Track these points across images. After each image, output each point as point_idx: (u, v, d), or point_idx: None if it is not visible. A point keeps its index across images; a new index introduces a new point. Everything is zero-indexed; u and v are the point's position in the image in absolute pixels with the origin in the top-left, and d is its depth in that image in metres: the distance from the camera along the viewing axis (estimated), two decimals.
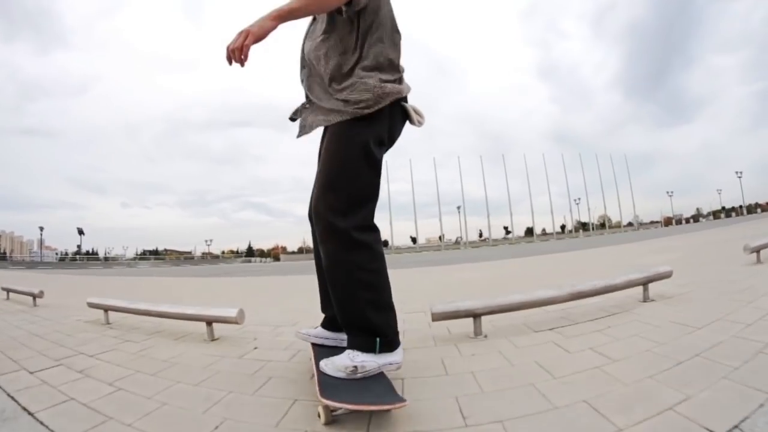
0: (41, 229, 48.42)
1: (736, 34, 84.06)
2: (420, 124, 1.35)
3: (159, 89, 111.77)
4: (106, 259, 52.97)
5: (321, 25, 1.31)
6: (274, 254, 66.12)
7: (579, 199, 52.10)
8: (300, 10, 1.16)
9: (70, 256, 51.40)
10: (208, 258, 57.41)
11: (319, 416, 1.05)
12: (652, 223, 52.98)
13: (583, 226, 53.34)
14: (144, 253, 58.87)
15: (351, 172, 1.21)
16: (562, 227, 55.34)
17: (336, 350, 1.29)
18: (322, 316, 1.55)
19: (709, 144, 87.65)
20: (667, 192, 54.56)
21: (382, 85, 1.24)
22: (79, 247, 52.69)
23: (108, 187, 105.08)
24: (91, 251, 56.85)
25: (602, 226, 55.01)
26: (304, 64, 1.40)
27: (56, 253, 54.78)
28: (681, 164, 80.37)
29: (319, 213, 1.20)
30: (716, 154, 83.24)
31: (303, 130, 1.39)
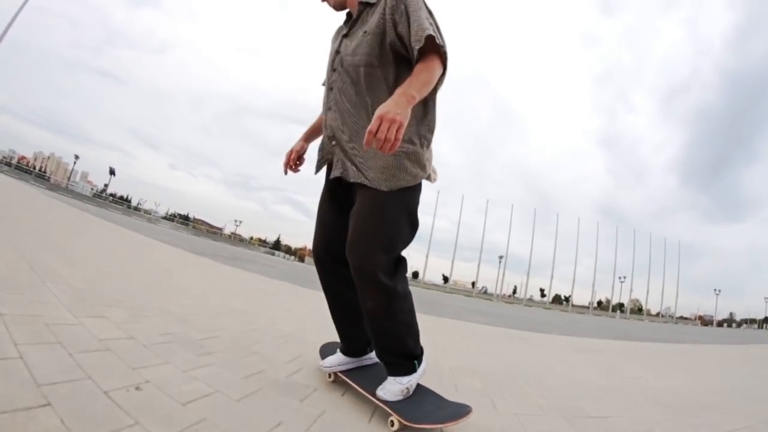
0: (76, 157, 47.28)
1: None
2: (435, 180, 1.37)
3: (232, 70, 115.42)
4: (135, 208, 50.67)
5: (380, 60, 1.23)
6: (300, 254, 62.57)
7: (624, 277, 49.01)
8: (422, 96, 1.12)
9: (104, 195, 49.40)
10: (234, 239, 53.84)
11: (392, 424, 1.19)
12: (681, 318, 49.15)
13: (620, 307, 49.91)
14: (174, 215, 56.30)
15: (400, 237, 1.25)
16: (599, 303, 52.21)
17: (361, 370, 1.48)
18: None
19: (755, 248, 77.51)
20: (715, 290, 49.20)
21: (430, 155, 1.30)
22: (106, 186, 51.00)
23: (161, 146, 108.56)
24: (125, 197, 55.09)
25: (639, 311, 51.31)
26: (337, 105, 1.31)
27: (91, 189, 53.51)
28: (721, 263, 72.18)
29: (367, 271, 1.21)
30: (761, 259, 76.00)
31: (343, 173, 1.31)
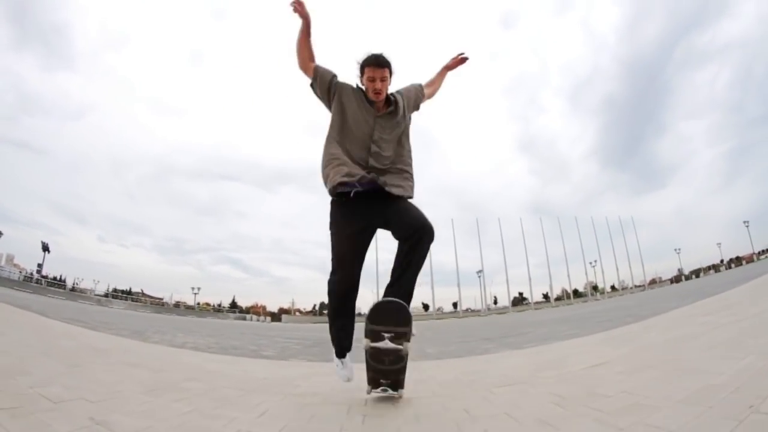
0: None
1: (702, 100, 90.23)
2: None
3: (152, 131, 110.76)
4: (72, 289, 48.13)
5: (396, 116, 2.16)
6: (269, 313, 61.77)
7: (595, 261, 51.65)
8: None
9: (35, 278, 46.36)
10: (196, 309, 52.20)
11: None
12: (636, 287, 51.60)
13: (595, 289, 52.44)
14: (115, 291, 53.91)
15: None
16: (575, 291, 54.15)
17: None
18: None
19: (682, 207, 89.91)
20: (675, 250, 53.10)
21: None
22: (40, 266, 44.97)
23: (87, 218, 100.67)
24: (59, 278, 51.92)
25: (613, 289, 53.60)
26: (372, 144, 2.10)
27: (20, 272, 49.41)
28: (656, 229, 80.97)
29: (431, 228, 2.00)
30: (690, 216, 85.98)
31: (384, 185, 2.05)
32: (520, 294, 57.75)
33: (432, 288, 47.68)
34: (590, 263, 51.79)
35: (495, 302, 56.42)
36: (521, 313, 28.71)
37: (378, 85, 2.05)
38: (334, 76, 2.16)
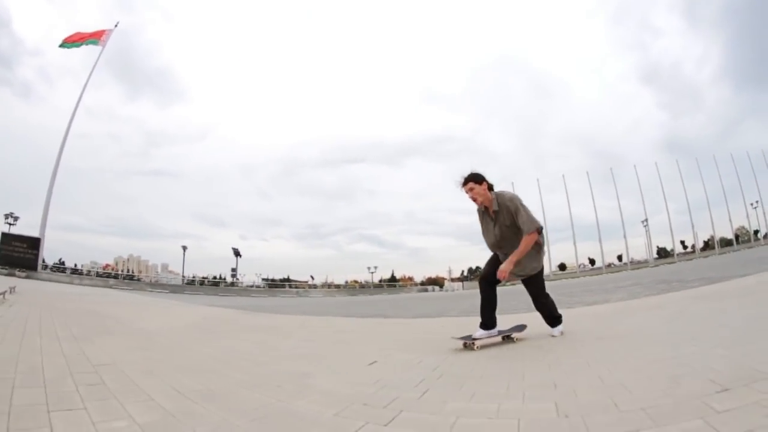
0: (184, 248, 44.70)
1: None
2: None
3: (273, 133, 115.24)
4: (232, 284, 46.01)
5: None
6: (439, 281, 61.30)
7: (756, 202, 45.59)
8: (520, 257, 3.00)
9: (197, 280, 45.05)
10: (367, 286, 48.79)
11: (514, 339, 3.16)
12: None
13: (755, 234, 47.37)
14: (273, 280, 51.88)
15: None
16: (737, 237, 49.40)
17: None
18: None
19: None
20: None
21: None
22: (234, 269, 46.68)
23: (227, 221, 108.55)
24: (219, 276, 50.78)
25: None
26: (506, 253, 3.12)
27: (183, 277, 48.93)
28: None
29: (546, 294, 3.25)
30: None
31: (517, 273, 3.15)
32: (682, 242, 53.97)
33: (600, 242, 47.28)
34: (752, 204, 46.15)
35: (657, 254, 52.08)
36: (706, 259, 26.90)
37: (469, 195, 3.14)
38: None
